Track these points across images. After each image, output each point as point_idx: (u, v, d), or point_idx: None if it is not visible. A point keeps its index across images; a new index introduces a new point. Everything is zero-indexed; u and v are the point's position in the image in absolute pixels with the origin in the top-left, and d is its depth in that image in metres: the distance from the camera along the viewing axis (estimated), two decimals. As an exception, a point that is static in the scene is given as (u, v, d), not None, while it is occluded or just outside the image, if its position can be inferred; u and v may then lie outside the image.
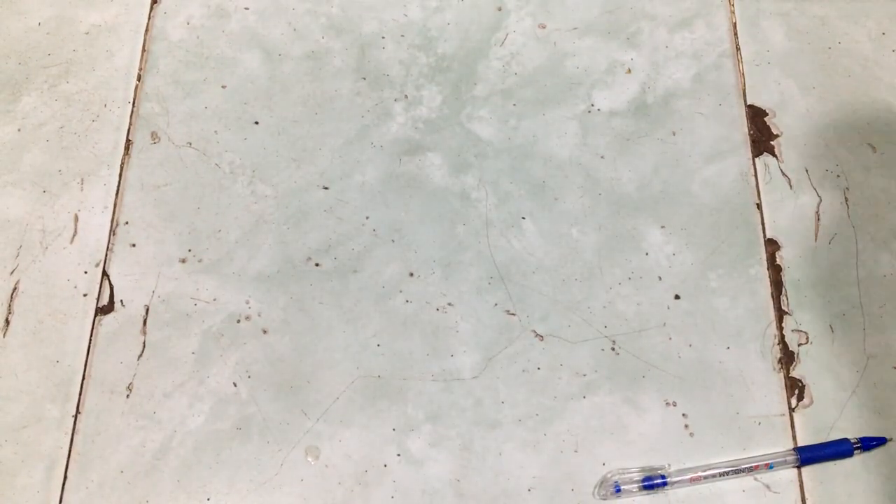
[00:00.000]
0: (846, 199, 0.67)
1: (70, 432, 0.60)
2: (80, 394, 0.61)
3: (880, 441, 0.58)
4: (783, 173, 0.68)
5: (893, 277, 0.64)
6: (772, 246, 0.65)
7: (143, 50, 0.73)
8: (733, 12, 0.74)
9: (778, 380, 0.61)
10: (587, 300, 0.63)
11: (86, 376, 0.61)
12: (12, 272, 0.65)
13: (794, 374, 0.61)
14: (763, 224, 0.66)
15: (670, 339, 0.62)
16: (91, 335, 0.62)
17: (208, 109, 0.70)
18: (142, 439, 0.60)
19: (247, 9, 0.75)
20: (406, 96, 0.71)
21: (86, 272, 0.65)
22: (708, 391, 0.61)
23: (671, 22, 0.74)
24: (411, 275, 0.64)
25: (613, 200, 0.67)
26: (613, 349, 0.62)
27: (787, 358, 0.62)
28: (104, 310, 0.63)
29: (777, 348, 0.62)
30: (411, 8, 0.75)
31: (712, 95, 0.70)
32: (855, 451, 0.58)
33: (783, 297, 0.63)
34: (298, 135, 0.69)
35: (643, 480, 0.57)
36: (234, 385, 0.61)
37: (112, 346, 0.62)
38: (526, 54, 0.73)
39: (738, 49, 0.72)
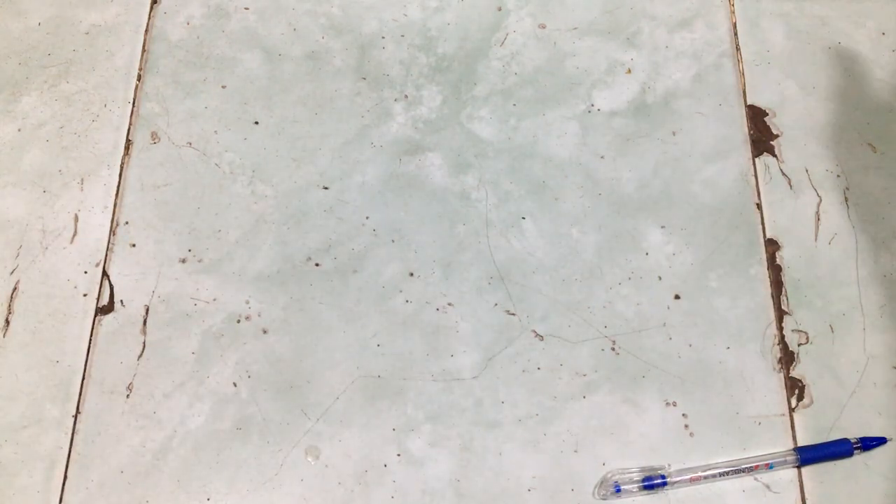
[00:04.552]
0: (846, 199, 0.67)
1: (70, 432, 0.60)
2: (80, 394, 0.61)
3: (880, 441, 0.58)
4: (783, 173, 0.68)
5: (893, 277, 0.64)
6: (772, 246, 0.65)
7: (143, 50, 0.73)
8: (733, 12, 0.74)
9: (778, 380, 0.61)
10: (587, 300, 0.63)
11: (86, 376, 0.61)
12: (12, 272, 0.65)
13: (794, 374, 0.61)
14: (763, 224, 0.66)
15: (670, 339, 0.62)
16: (91, 335, 0.62)
17: (208, 109, 0.70)
18: (142, 439, 0.60)
19: (247, 9, 0.75)
20: (406, 96, 0.71)
21: (86, 272, 0.65)
22: (708, 391, 0.61)
23: (671, 22, 0.74)
24: (411, 275, 0.64)
25: (613, 200, 0.67)
26: (613, 349, 0.62)
27: (787, 358, 0.62)
28: (104, 310, 0.63)
29: (777, 348, 0.62)
30: (411, 8, 0.75)
31: (712, 95, 0.70)
32: (855, 451, 0.58)
33: (783, 297, 0.63)
34: (298, 135, 0.69)
35: (643, 480, 0.57)
36: (234, 385, 0.61)
37: (112, 346, 0.62)
38: (526, 54, 0.72)
39: (738, 49, 0.72)
